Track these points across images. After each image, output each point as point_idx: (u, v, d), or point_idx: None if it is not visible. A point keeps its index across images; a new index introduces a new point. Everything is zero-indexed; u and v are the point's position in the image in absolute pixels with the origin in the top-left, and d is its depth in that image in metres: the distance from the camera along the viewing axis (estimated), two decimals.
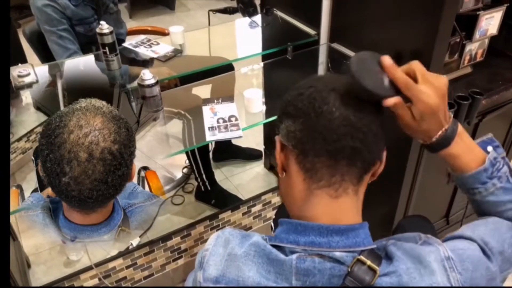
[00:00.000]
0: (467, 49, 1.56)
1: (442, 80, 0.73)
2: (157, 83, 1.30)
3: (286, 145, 0.73)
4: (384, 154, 0.75)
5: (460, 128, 0.79)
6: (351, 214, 0.72)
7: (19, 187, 1.63)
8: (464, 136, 0.80)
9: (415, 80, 0.72)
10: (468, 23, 1.52)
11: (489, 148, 0.83)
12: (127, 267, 1.71)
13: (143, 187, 1.75)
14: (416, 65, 0.73)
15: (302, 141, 0.70)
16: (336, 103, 0.68)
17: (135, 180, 1.89)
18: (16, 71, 1.50)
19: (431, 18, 1.29)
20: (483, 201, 0.82)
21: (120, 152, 0.86)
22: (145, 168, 1.80)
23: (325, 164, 0.69)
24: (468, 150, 0.80)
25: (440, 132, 0.76)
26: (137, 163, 1.11)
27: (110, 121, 0.87)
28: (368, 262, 0.66)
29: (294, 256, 0.68)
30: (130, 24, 4.07)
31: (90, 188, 0.84)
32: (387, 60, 0.72)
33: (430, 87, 0.71)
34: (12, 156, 1.98)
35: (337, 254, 0.67)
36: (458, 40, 1.56)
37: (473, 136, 1.65)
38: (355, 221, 0.72)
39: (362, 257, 0.67)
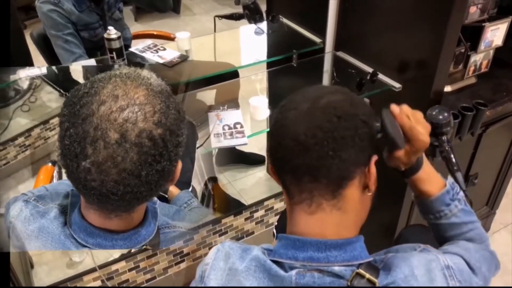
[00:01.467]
0: (471, 60, 1.57)
1: (423, 117, 0.87)
2: None
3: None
4: (371, 167, 0.74)
5: (424, 157, 0.91)
6: (335, 229, 0.72)
7: (56, 164, 1.48)
8: (427, 162, 0.91)
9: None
10: (473, 33, 1.53)
11: None
12: (130, 270, 1.72)
13: (207, 203, 1.54)
14: (406, 108, 0.85)
15: (272, 160, 0.75)
16: (291, 123, 0.70)
17: (199, 191, 1.70)
18: (23, 73, 1.51)
19: (437, 29, 1.31)
20: (447, 223, 0.90)
21: (164, 139, 0.66)
22: (214, 180, 1.57)
23: (292, 181, 0.72)
24: (432, 175, 0.91)
25: (413, 159, 0.87)
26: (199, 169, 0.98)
27: (156, 97, 0.67)
28: (367, 275, 0.68)
29: (294, 272, 0.69)
30: (135, 27, 4.08)
31: (115, 180, 0.64)
32: (396, 109, 0.84)
33: (423, 127, 0.84)
34: (50, 134, 1.93)
35: (336, 268, 0.69)
36: (463, 50, 1.57)
37: (476, 147, 1.66)
38: (341, 236, 0.72)
39: (361, 271, 0.68)
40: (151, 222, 0.84)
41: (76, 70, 1.81)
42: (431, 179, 0.90)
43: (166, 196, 1.26)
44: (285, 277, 0.69)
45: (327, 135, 0.68)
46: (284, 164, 0.71)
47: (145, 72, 0.71)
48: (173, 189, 1.29)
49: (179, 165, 0.74)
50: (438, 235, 0.93)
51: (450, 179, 0.92)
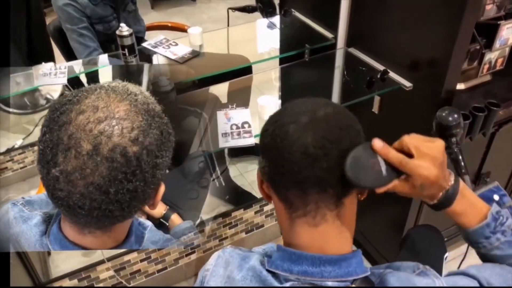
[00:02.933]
0: (486, 57, 1.54)
1: (437, 148, 0.74)
2: (173, 89, 1.33)
3: (263, 179, 0.76)
4: None
5: (461, 185, 0.80)
6: (335, 241, 0.73)
7: None
8: (466, 193, 0.80)
9: (410, 155, 0.73)
10: (489, 30, 1.50)
11: (496, 197, 0.84)
12: (141, 261, 1.76)
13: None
14: (408, 140, 0.74)
15: (271, 175, 0.73)
16: (295, 136, 0.69)
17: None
18: (39, 70, 1.54)
19: (450, 26, 1.29)
20: (489, 254, 0.82)
21: (139, 158, 0.62)
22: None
23: (296, 195, 0.71)
24: (470, 207, 0.80)
25: (441, 194, 0.77)
26: None
27: (139, 114, 0.64)
28: None
29: (288, 284, 0.70)
30: (151, 15, 4.10)
31: (82, 193, 0.62)
32: (377, 144, 0.72)
33: (426, 160, 0.72)
34: None
35: (330, 284, 0.69)
36: (478, 47, 1.54)
37: (489, 146, 1.63)
38: (341, 249, 0.73)
39: (353, 286, 0.69)
40: (133, 245, 0.81)
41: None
42: (468, 211, 0.80)
43: (167, 224, 1.25)
44: None
45: (334, 146, 0.69)
46: (289, 178, 0.70)
47: (135, 88, 0.68)
48: (175, 218, 1.26)
49: (161, 189, 0.71)
50: (482, 260, 0.85)
51: (495, 208, 0.81)
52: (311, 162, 0.68)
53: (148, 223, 0.93)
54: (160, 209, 1.24)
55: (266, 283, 0.72)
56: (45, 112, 1.98)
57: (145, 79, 1.65)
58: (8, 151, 1.82)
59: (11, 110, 1.87)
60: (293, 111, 0.74)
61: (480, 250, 0.82)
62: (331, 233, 0.73)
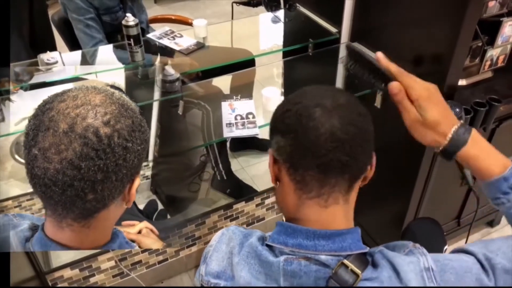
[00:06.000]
0: (488, 54, 1.55)
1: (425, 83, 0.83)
2: (178, 79, 1.34)
3: (277, 159, 0.76)
4: (374, 158, 0.78)
5: (475, 132, 0.79)
6: (340, 220, 0.76)
7: None
8: (480, 140, 0.80)
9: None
10: (492, 27, 1.51)
11: None
12: (143, 252, 1.77)
13: None
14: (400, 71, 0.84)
15: (292, 155, 0.73)
16: (322, 119, 0.70)
17: None
18: (44, 58, 1.55)
19: (453, 23, 1.30)
20: (508, 213, 0.79)
21: (110, 138, 0.69)
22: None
23: (315, 177, 0.72)
24: (487, 153, 0.79)
25: (453, 130, 0.79)
26: None
27: (113, 104, 0.72)
28: (351, 266, 0.70)
29: (282, 258, 0.72)
30: (155, 9, 4.10)
31: (56, 169, 0.67)
32: (380, 54, 0.86)
33: (420, 81, 0.83)
34: None
35: (323, 257, 0.71)
36: (480, 44, 1.56)
37: (489, 141, 1.64)
38: (344, 227, 0.75)
39: (346, 261, 0.70)
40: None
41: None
42: (485, 156, 0.78)
43: None
44: (274, 262, 0.72)
45: (357, 130, 0.72)
46: (312, 160, 0.71)
47: (114, 89, 0.77)
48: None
49: (135, 182, 0.76)
50: (508, 221, 0.81)
51: None
52: (337, 146, 0.70)
53: (135, 245, 0.97)
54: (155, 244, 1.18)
55: (262, 258, 0.74)
56: None
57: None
58: (17, 197, 1.80)
59: (22, 160, 1.86)
60: (313, 94, 0.75)
61: (499, 207, 0.80)
62: (337, 214, 0.75)
